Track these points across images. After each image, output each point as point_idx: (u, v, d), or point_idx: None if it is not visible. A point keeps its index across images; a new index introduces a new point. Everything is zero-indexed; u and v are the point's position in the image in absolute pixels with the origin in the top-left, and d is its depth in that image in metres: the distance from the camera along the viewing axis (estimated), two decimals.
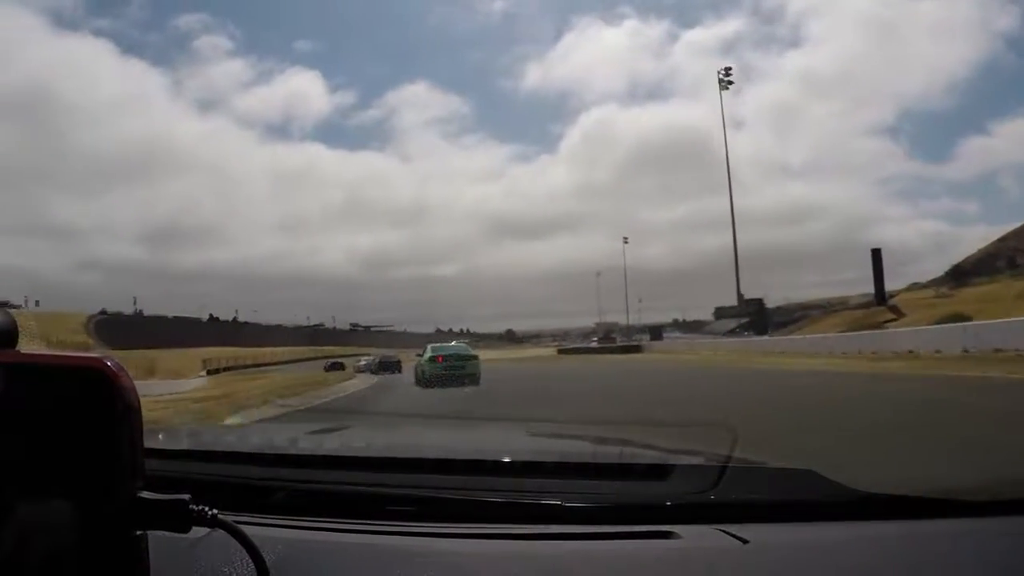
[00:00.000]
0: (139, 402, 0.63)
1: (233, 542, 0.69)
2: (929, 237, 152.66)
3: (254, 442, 1.69)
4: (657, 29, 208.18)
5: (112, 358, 0.63)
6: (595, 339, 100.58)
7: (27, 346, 0.69)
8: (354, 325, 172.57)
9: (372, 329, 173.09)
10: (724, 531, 0.92)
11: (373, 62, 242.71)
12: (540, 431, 2.01)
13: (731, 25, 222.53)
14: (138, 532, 0.62)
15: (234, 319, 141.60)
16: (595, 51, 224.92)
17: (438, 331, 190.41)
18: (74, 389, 0.62)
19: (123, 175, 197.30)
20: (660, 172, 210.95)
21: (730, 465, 1.07)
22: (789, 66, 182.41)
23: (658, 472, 1.08)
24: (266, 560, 0.70)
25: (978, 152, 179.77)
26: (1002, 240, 64.55)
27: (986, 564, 0.87)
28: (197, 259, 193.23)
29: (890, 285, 57.75)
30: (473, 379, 18.76)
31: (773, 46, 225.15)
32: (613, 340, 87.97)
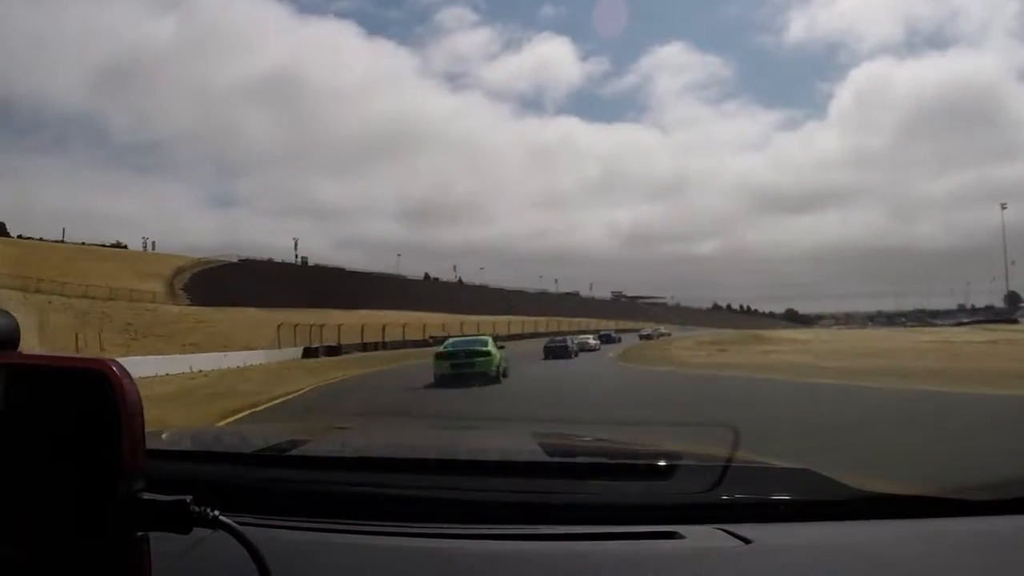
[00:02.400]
0: (141, 403, 0.62)
1: (234, 543, 0.69)
2: None
3: (255, 443, 1.70)
4: None
5: (115, 360, 0.62)
6: None
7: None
8: (616, 294, 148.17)
9: (639, 301, 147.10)
10: (727, 531, 0.92)
11: (623, 23, 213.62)
12: (542, 432, 1.96)
13: None
14: (140, 533, 0.62)
15: (458, 280, 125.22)
16: None
17: (715, 307, 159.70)
18: (76, 391, 0.62)
19: (380, 154, 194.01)
20: (940, 135, 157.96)
21: (732, 465, 1.06)
22: None
23: (661, 472, 1.07)
24: (267, 561, 0.70)
25: None
26: None
27: (986, 564, 0.86)
28: (455, 235, 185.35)
29: None
30: (484, 378, 16.43)
31: None
32: None
